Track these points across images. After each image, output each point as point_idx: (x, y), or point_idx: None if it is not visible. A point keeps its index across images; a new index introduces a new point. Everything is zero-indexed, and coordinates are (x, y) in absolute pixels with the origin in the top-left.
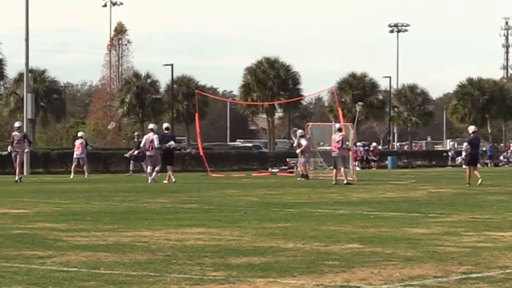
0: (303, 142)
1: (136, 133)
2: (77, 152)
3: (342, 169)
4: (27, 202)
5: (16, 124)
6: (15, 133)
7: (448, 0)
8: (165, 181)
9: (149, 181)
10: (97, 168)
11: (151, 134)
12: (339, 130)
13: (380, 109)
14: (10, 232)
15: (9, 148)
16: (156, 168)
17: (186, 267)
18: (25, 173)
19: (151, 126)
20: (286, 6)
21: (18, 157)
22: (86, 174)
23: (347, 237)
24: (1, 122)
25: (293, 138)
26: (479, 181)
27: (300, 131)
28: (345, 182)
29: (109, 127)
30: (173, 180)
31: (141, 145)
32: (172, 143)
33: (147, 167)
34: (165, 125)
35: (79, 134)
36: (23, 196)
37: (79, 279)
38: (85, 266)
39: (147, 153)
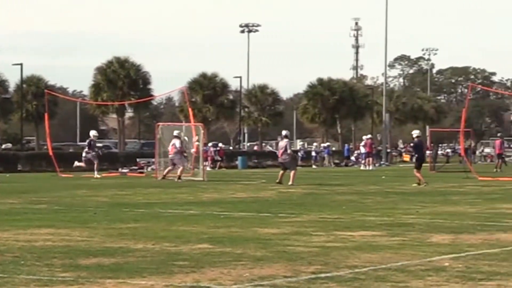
0: (178, 144)
1: None
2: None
3: (292, 171)
4: None
5: None
6: None
7: (299, 0)
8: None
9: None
10: None
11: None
12: (286, 137)
13: (230, 109)
14: None
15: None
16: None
17: (35, 268)
18: None
19: (176, 132)
20: (135, 3)
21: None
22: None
23: (197, 237)
24: None
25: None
26: (422, 184)
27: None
28: (290, 183)
29: None
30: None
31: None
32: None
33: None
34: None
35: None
36: None
37: None
38: None
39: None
